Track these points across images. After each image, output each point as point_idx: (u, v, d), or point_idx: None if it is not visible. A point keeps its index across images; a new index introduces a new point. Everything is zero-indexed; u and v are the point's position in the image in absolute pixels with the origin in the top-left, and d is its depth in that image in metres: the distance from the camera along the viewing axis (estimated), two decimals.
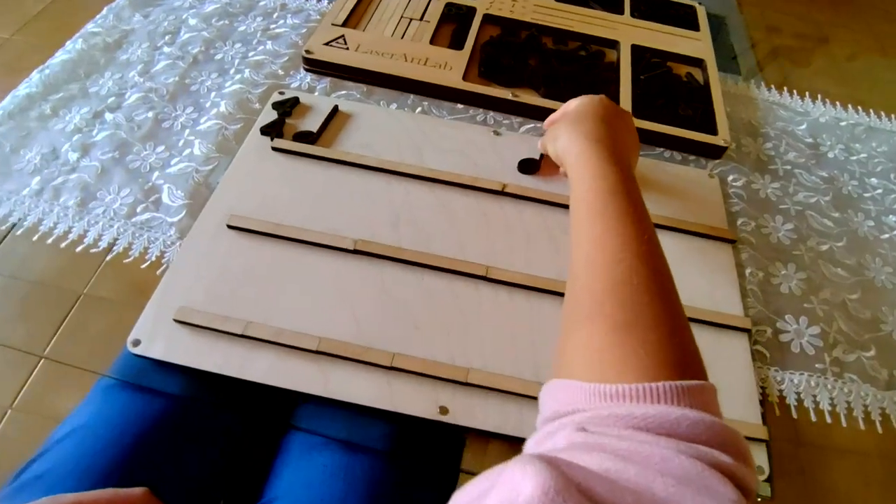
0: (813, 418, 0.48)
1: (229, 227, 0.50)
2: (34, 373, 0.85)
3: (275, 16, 0.75)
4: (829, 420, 0.48)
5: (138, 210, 0.53)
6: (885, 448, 0.93)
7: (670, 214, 0.56)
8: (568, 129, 0.46)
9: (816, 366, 0.50)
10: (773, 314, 0.53)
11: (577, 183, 0.41)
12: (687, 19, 0.80)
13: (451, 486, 0.45)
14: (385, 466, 0.41)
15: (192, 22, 0.73)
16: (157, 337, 0.44)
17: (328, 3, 0.77)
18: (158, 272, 0.49)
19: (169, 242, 0.51)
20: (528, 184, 0.57)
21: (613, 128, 0.45)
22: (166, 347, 0.44)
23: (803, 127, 0.71)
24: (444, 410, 0.42)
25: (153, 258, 0.50)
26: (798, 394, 0.49)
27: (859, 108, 0.76)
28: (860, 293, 0.56)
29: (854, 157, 0.69)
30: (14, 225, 0.52)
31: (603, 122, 0.45)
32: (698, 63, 0.73)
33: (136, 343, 0.44)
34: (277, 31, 0.72)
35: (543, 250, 0.52)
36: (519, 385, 0.43)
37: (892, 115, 0.75)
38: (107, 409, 0.43)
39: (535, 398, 0.43)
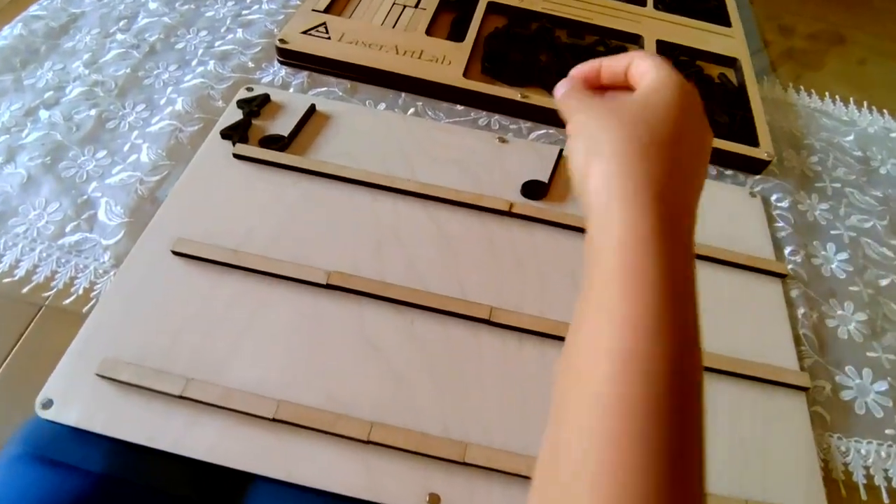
0: (885, 500, 0.40)
1: (174, 253, 0.41)
2: None
3: (248, 0, 0.65)
4: None
5: (67, 229, 0.43)
6: None
7: (708, 241, 0.47)
8: (606, 152, 0.24)
9: (886, 431, 0.42)
10: (831, 365, 0.44)
11: (599, 254, 0.24)
12: (715, 13, 0.71)
13: None
14: None
15: (152, 5, 0.63)
16: (73, 397, 0.35)
17: None
18: (85, 309, 0.40)
19: (101, 271, 0.42)
20: (541, 203, 0.48)
21: (683, 156, 0.25)
22: (84, 411, 0.34)
23: (850, 138, 0.63)
24: (435, 499, 0.33)
25: (80, 291, 0.41)
26: (867, 468, 0.40)
27: None
28: None
29: None
30: None
31: (672, 148, 0.24)
32: (731, 63, 0.64)
33: (48, 404, 0.35)
34: (250, 17, 0.63)
35: (560, 286, 0.43)
36: (530, 466, 0.34)
37: None
38: (7, 487, 0.34)
39: None
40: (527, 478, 0.34)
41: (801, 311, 0.46)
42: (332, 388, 0.36)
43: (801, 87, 0.68)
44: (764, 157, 0.53)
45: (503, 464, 0.34)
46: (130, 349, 0.36)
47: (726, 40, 0.66)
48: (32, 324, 0.39)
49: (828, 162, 0.59)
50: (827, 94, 0.67)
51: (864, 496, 0.39)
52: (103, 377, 0.35)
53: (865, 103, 0.67)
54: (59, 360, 0.36)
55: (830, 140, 0.62)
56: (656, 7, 0.68)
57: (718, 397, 0.40)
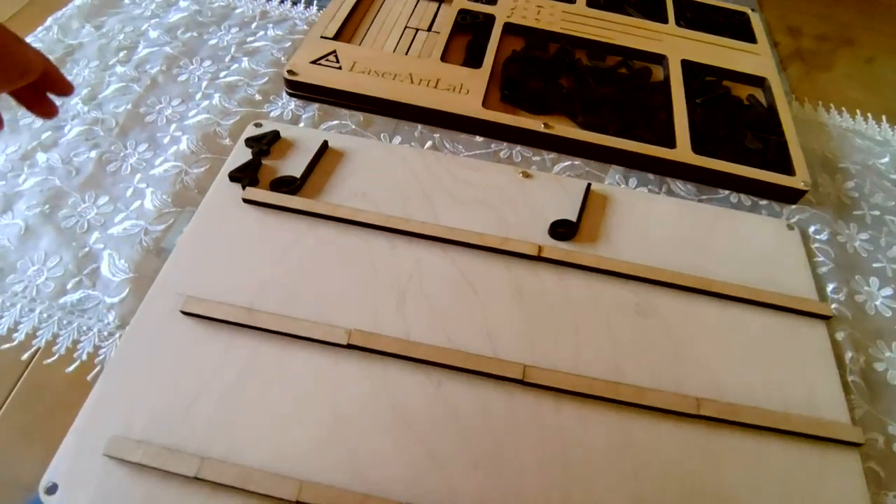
0: None
1: (184, 313, 0.38)
2: None
3: (253, 26, 0.62)
4: None
5: (69, 287, 0.41)
6: None
7: (743, 281, 0.44)
8: None
9: None
10: (881, 414, 0.42)
11: None
12: (740, 29, 0.68)
13: None
14: None
15: (153, 35, 0.60)
16: (80, 480, 0.32)
17: (317, 11, 0.65)
18: (90, 377, 0.37)
19: (106, 334, 0.39)
20: (571, 244, 0.45)
21: None
22: (92, 497, 0.32)
23: (886, 160, 0.60)
24: None
25: (84, 357, 0.38)
26: None
27: None
28: None
29: None
30: None
31: None
32: (759, 82, 0.61)
33: (52, 489, 0.32)
34: (255, 45, 0.60)
35: (595, 338, 0.40)
36: None
37: None
38: None
39: None
40: None
41: (848, 355, 0.43)
42: (358, 463, 0.33)
43: (832, 106, 0.65)
44: (801, 186, 0.51)
45: None
46: (139, 424, 0.34)
47: (752, 58, 0.63)
48: (34, 394, 0.37)
49: (865, 187, 0.56)
50: (858, 112, 0.64)
51: None
52: (112, 457, 0.33)
53: None
54: (63, 435, 0.34)
55: (865, 163, 0.59)
56: (678, 24, 0.65)
57: (765, 457, 0.37)
